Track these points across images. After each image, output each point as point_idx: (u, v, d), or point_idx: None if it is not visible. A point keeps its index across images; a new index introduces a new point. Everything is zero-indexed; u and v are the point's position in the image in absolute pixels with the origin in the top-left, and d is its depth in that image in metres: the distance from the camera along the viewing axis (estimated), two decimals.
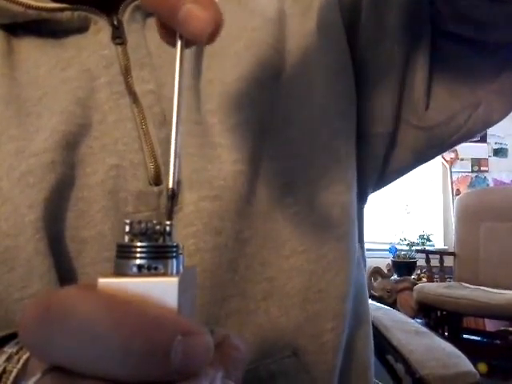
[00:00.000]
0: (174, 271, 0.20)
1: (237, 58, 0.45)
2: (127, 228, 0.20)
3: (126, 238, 0.20)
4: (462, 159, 4.05)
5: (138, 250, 0.20)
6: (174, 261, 0.20)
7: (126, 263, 0.20)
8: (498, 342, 2.72)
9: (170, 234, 0.21)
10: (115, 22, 0.45)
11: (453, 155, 4.05)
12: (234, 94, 0.44)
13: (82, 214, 0.39)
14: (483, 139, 4.13)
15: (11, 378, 0.27)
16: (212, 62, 0.45)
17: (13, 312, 0.37)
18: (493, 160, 4.13)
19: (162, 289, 0.19)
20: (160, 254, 0.20)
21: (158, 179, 0.40)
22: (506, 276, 2.91)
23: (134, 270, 0.19)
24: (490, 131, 4.15)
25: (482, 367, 2.40)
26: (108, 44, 0.45)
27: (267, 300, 0.41)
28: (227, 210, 0.40)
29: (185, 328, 0.18)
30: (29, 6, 0.43)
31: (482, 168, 4.11)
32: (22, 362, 0.28)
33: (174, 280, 0.19)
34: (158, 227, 0.20)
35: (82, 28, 0.46)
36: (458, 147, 3.90)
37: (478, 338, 2.91)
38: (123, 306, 0.18)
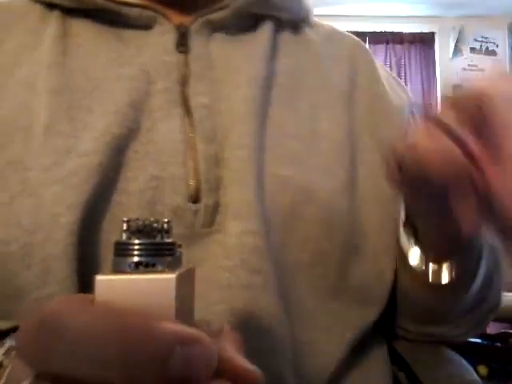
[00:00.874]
0: (172, 268, 0.20)
1: None
2: (125, 226, 0.20)
3: (124, 236, 0.20)
4: None
5: (136, 247, 0.20)
6: (172, 258, 0.20)
7: (123, 260, 0.20)
8: (499, 344, 2.71)
9: (167, 231, 0.21)
10: (182, 30, 0.44)
11: None
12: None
13: (114, 218, 0.38)
14: None
15: (5, 374, 0.27)
16: None
17: (32, 311, 0.36)
18: None
19: (159, 286, 0.19)
20: (157, 252, 0.20)
21: (197, 196, 0.39)
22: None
23: (132, 267, 0.19)
24: None
25: (483, 370, 2.39)
26: (171, 50, 0.44)
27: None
28: (270, 249, 0.38)
29: (184, 337, 0.17)
30: None
31: None
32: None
33: (172, 277, 0.19)
34: (155, 225, 0.20)
35: (146, 25, 0.45)
36: None
37: (479, 341, 2.90)
38: (121, 317, 0.18)
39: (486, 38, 4.18)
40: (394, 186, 0.33)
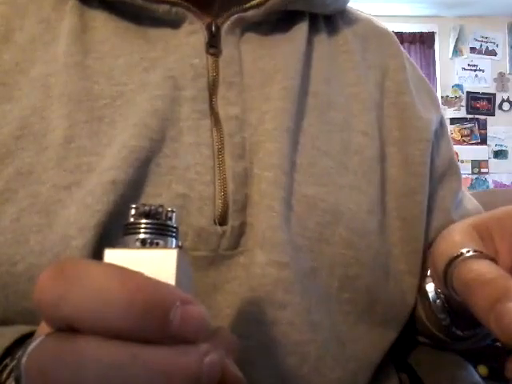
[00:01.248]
0: (173, 247, 0.22)
1: None
2: (133, 211, 0.22)
3: (132, 219, 0.22)
4: (462, 161, 4.04)
5: (142, 225, 0.22)
6: (174, 240, 0.22)
7: (130, 238, 0.21)
8: (499, 344, 2.71)
9: (170, 218, 0.22)
10: (213, 29, 0.41)
11: None
12: None
13: None
14: (483, 141, 4.13)
15: (5, 373, 0.27)
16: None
17: None
18: (493, 162, 4.13)
19: (161, 258, 0.21)
20: (161, 231, 0.22)
21: (223, 218, 0.36)
22: None
23: (138, 244, 0.21)
24: (490, 133, 4.15)
25: (483, 370, 2.40)
26: (200, 52, 0.40)
27: None
28: (297, 277, 0.36)
29: (183, 297, 0.19)
30: None
31: (482, 170, 4.11)
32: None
33: (173, 251, 0.21)
34: (160, 209, 0.22)
35: (173, 23, 0.41)
36: (458, 149, 3.90)
37: None
38: (129, 271, 0.19)
39: (486, 37, 4.18)
40: None
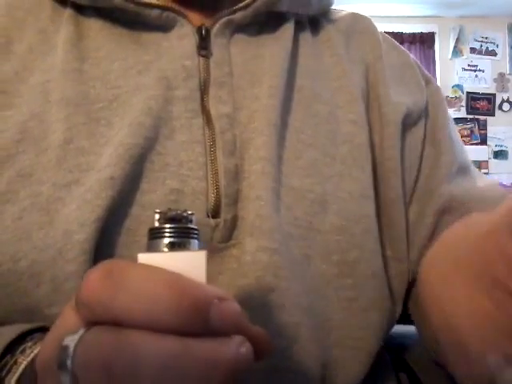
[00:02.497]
0: (198, 248, 0.24)
1: None
2: (157, 216, 0.24)
3: (157, 224, 0.23)
4: None
5: (170, 230, 0.23)
6: (197, 241, 0.24)
7: (158, 243, 0.23)
8: None
9: (191, 221, 0.24)
10: (203, 32, 0.43)
11: None
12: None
13: (127, 231, 0.36)
14: (483, 141, 4.14)
15: (20, 369, 0.29)
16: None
17: (50, 323, 0.35)
18: (493, 162, 4.14)
19: (192, 260, 0.22)
20: (187, 234, 0.23)
21: (216, 212, 0.38)
22: None
23: (168, 247, 0.23)
24: (490, 133, 4.16)
25: None
26: (192, 54, 0.42)
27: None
28: (290, 264, 0.37)
29: (220, 295, 0.21)
30: None
31: (482, 170, 4.11)
32: (32, 355, 0.29)
33: (202, 253, 0.23)
34: (184, 214, 0.24)
35: (165, 27, 0.43)
36: None
37: None
38: (172, 274, 0.21)
39: (486, 37, 4.19)
40: None
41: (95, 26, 0.43)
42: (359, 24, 0.52)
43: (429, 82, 0.52)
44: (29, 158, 0.38)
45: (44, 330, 0.33)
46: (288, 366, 0.36)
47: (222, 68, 0.42)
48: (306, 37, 0.48)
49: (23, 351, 0.30)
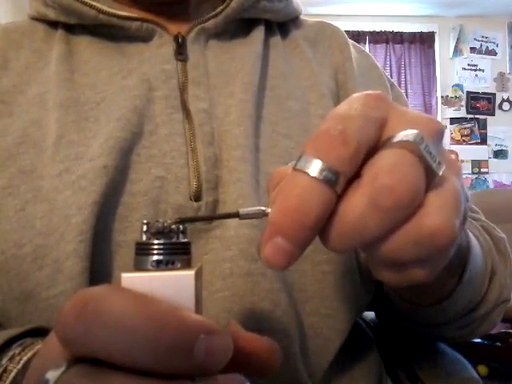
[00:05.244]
0: (188, 266, 0.22)
1: None
2: (145, 227, 0.22)
3: (144, 237, 0.22)
4: (462, 161, 4.05)
5: (156, 246, 0.22)
6: (188, 257, 0.22)
7: (145, 259, 0.21)
8: (499, 344, 2.72)
9: (183, 232, 0.23)
10: (180, 40, 0.47)
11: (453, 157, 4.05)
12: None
13: (120, 218, 0.39)
14: (483, 141, 4.14)
15: (10, 377, 0.29)
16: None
17: (42, 310, 0.37)
18: (493, 162, 4.13)
19: (180, 281, 0.21)
20: (176, 251, 0.22)
21: (198, 195, 0.41)
22: None
23: (153, 265, 0.21)
24: (490, 133, 4.15)
25: (483, 369, 2.39)
26: (170, 59, 0.46)
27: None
28: None
29: (207, 328, 0.19)
30: (102, 11, 0.45)
31: (482, 170, 4.11)
32: (22, 362, 0.30)
33: (191, 273, 0.21)
34: (173, 226, 0.22)
35: (145, 38, 0.48)
36: (458, 149, 3.90)
37: (479, 340, 2.90)
38: (153, 303, 0.20)
39: (486, 37, 4.18)
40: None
41: (84, 42, 0.48)
42: (327, 30, 0.56)
43: (393, 85, 0.56)
44: (29, 158, 0.41)
45: (31, 333, 0.34)
46: (272, 327, 0.38)
47: (199, 69, 0.46)
48: (276, 42, 0.52)
49: (12, 358, 0.30)
